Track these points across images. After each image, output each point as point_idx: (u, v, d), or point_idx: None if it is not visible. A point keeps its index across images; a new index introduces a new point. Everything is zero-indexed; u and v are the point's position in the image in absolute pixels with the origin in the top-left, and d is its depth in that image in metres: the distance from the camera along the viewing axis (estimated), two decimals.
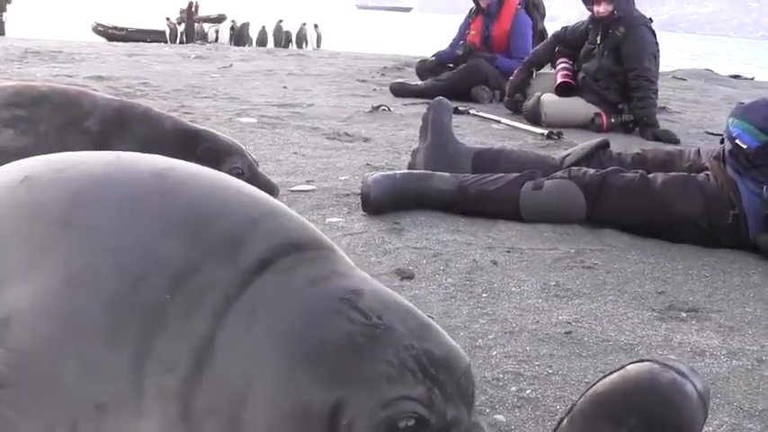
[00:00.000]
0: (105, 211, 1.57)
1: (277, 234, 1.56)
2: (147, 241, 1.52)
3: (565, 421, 1.59)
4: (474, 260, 3.54)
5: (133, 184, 1.63)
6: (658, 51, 7.78)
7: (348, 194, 4.56)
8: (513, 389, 2.38)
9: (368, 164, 5.37)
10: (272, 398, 1.37)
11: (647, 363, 1.54)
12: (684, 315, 3.09)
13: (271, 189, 3.88)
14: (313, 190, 4.65)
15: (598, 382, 1.59)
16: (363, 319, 1.40)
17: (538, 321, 2.91)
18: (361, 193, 4.26)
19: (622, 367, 1.59)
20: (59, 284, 1.49)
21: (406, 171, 4.55)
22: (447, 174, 4.39)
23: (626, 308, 3.12)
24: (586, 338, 2.78)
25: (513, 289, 3.24)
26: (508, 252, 3.70)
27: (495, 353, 2.61)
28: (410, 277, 3.30)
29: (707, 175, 4.15)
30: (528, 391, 2.37)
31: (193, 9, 31.25)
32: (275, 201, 1.72)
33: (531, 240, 3.90)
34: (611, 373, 1.59)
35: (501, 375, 2.46)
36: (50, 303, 1.48)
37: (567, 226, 4.12)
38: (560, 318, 2.95)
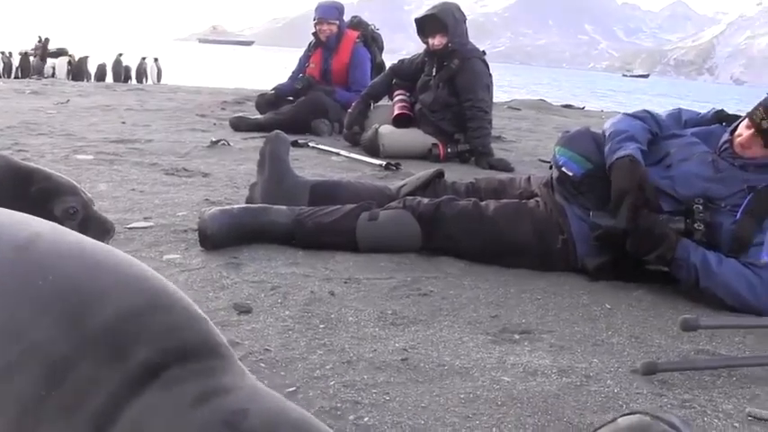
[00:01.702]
0: None
1: (165, 335, 1.45)
2: (15, 326, 1.41)
3: None
4: (312, 292, 3.55)
5: None
6: (491, 82, 8.00)
7: (186, 230, 4.52)
8: (351, 417, 2.40)
9: (207, 199, 5.33)
10: None
11: (638, 416, 1.50)
12: (518, 337, 3.18)
13: (106, 228, 3.81)
14: (151, 227, 4.58)
15: None
16: None
17: (375, 350, 2.94)
18: (198, 228, 4.23)
19: (614, 420, 1.55)
20: None
21: (244, 205, 4.54)
22: (284, 207, 4.40)
23: (461, 333, 3.19)
24: (422, 364, 2.82)
25: (351, 319, 3.27)
26: (345, 283, 3.73)
27: (332, 383, 2.63)
28: (248, 311, 3.29)
29: (537, 201, 4.28)
30: (366, 419, 2.39)
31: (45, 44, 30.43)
32: (160, 280, 1.59)
33: (368, 270, 3.95)
34: (601, 426, 1.55)
35: (339, 404, 2.47)
36: None
37: (404, 255, 4.19)
38: (397, 345, 3.00)
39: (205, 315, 1.58)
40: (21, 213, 1.73)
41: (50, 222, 1.74)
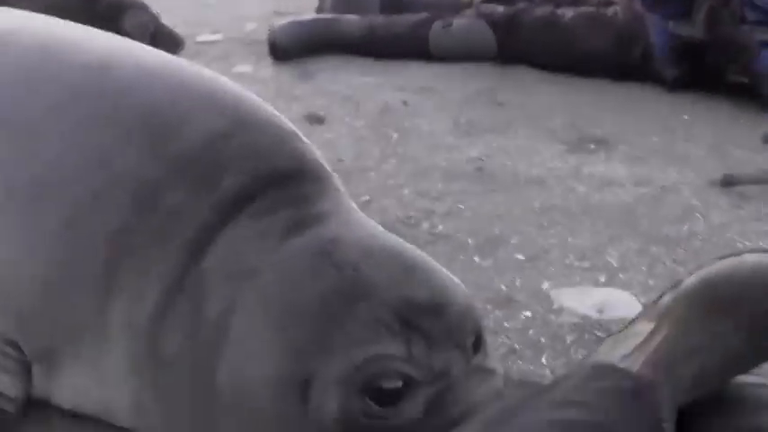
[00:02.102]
0: (41, 113, 1.42)
1: (256, 157, 1.40)
2: (99, 153, 1.37)
3: (667, 298, 1.47)
4: (385, 101, 3.53)
5: (73, 79, 1.46)
6: None
7: (256, 42, 4.49)
8: (426, 226, 2.40)
9: (275, 11, 5.28)
10: (244, 361, 1.26)
11: (766, 255, 1.41)
12: (593, 147, 3.14)
13: (176, 42, 3.81)
14: (220, 40, 4.57)
15: (711, 265, 1.46)
16: (338, 275, 1.27)
17: (449, 159, 2.92)
18: (268, 40, 4.19)
19: (739, 254, 1.45)
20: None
21: (314, 16, 4.48)
22: (355, 16, 4.34)
23: (536, 141, 3.15)
24: (497, 173, 2.81)
25: (424, 128, 3.25)
26: (419, 92, 3.69)
27: (406, 191, 2.63)
28: (320, 121, 3.28)
29: (615, 10, 4.15)
30: (440, 228, 2.40)
31: None
32: (248, 97, 1.53)
33: (442, 79, 3.90)
34: (726, 257, 1.44)
35: (413, 213, 2.48)
36: None
37: (478, 63, 4.12)
38: (471, 154, 2.98)
39: (296, 130, 1.54)
40: (98, 30, 1.67)
41: (128, 39, 1.70)
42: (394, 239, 1.40)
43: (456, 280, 1.39)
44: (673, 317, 1.44)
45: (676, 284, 1.49)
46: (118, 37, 1.70)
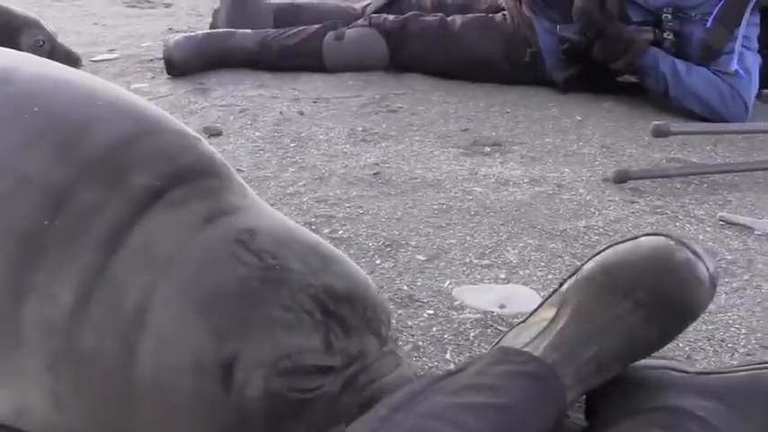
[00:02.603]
0: None
1: (163, 157, 1.39)
2: (6, 158, 1.35)
3: (568, 284, 1.51)
4: (281, 112, 3.53)
5: None
6: None
7: (152, 60, 4.48)
8: (326, 231, 2.40)
9: (170, 28, 5.25)
10: (165, 347, 1.26)
11: (662, 238, 1.44)
12: (488, 149, 3.18)
13: (73, 60, 3.75)
14: (116, 58, 4.53)
15: (607, 249, 1.50)
16: (258, 262, 1.28)
17: (347, 165, 2.93)
18: (163, 56, 4.17)
19: (635, 237, 1.49)
20: None
21: (208, 31, 4.46)
22: (249, 31, 4.33)
23: (432, 147, 3.18)
24: (395, 178, 2.82)
25: (321, 137, 3.25)
26: (314, 102, 3.70)
27: (306, 198, 2.62)
28: (218, 134, 3.26)
29: (504, 15, 4.21)
30: (341, 232, 2.39)
31: None
32: (149, 105, 1.53)
33: (337, 89, 3.92)
34: (622, 241, 1.49)
35: (313, 219, 2.47)
36: None
37: (372, 73, 4.14)
38: (368, 160, 2.99)
39: (199, 135, 1.53)
40: None
41: (26, 53, 1.69)
42: (306, 231, 1.43)
43: (365, 274, 1.42)
44: (573, 302, 1.47)
45: (576, 271, 1.51)
46: (17, 52, 1.68)
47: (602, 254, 1.49)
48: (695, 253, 1.40)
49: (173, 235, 1.32)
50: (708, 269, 1.40)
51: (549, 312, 1.49)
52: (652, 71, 3.75)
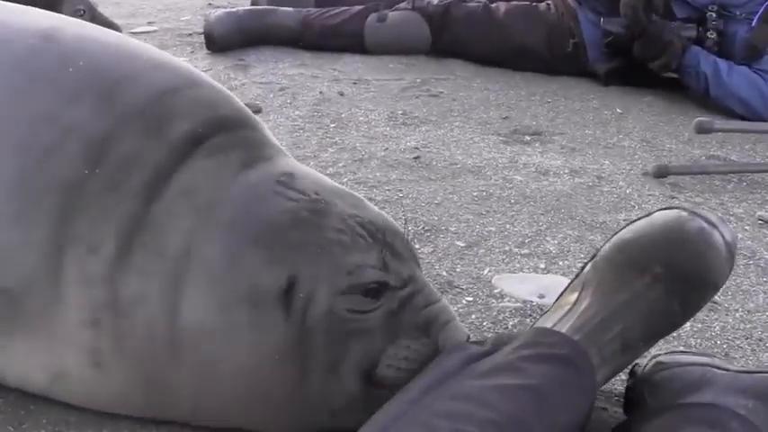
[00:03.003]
0: None
1: (205, 106, 1.45)
2: (51, 109, 1.37)
3: (588, 266, 1.51)
4: (321, 92, 3.53)
5: (17, 48, 1.45)
6: None
7: (191, 34, 4.49)
8: None
9: (210, 3, 5.26)
10: (215, 284, 1.30)
11: (675, 210, 1.44)
12: (528, 138, 3.17)
13: (114, 29, 3.75)
14: (155, 31, 4.54)
15: (624, 228, 1.50)
16: (303, 197, 1.35)
17: (387, 148, 2.93)
18: (204, 31, 4.17)
19: (649, 214, 1.49)
20: None
21: (250, 7, 4.45)
22: (291, 9, 4.32)
23: (472, 133, 3.18)
24: (435, 162, 2.82)
25: (361, 118, 3.25)
26: (354, 83, 3.70)
27: (345, 180, 2.62)
28: (257, 111, 3.26)
29: (548, 4, 4.19)
30: None
31: None
32: (191, 67, 1.58)
33: (378, 71, 3.91)
34: (637, 219, 1.49)
35: None
36: None
37: (413, 56, 4.14)
38: (408, 144, 2.99)
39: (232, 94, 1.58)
40: (38, 9, 1.66)
41: (69, 16, 1.71)
42: (333, 182, 1.51)
43: None
44: (593, 283, 1.47)
45: (595, 253, 1.51)
46: (60, 15, 1.71)
47: (619, 233, 1.50)
48: (709, 222, 1.40)
49: (213, 180, 1.36)
50: (723, 236, 1.39)
51: (571, 297, 1.49)
52: (693, 70, 3.73)
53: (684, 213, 1.42)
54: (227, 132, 1.43)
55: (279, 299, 1.29)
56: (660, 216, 1.45)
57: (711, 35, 3.77)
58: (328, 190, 1.41)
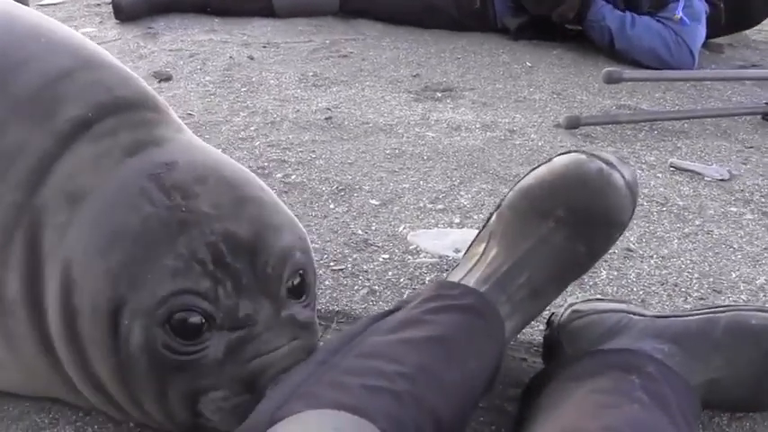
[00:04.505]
0: None
1: (96, 89, 1.35)
2: None
3: (493, 216, 1.50)
4: (231, 57, 3.50)
5: None
6: None
7: (99, 4, 4.46)
8: (279, 175, 2.38)
9: None
10: (68, 292, 1.22)
11: (574, 154, 1.43)
12: (440, 95, 3.17)
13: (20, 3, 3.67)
14: (63, 2, 4.48)
15: (526, 176, 1.49)
16: (166, 201, 1.22)
17: (298, 110, 2.91)
18: (111, 1, 4.13)
19: (549, 159, 1.47)
20: None
21: None
22: None
23: (383, 92, 3.17)
24: (347, 122, 2.81)
25: (272, 81, 3.23)
26: (264, 47, 3.67)
27: (258, 143, 2.60)
28: (168, 79, 3.23)
29: None
30: (293, 177, 2.38)
31: None
32: (89, 43, 1.50)
33: (287, 34, 3.89)
34: (538, 166, 1.47)
35: (265, 164, 2.45)
36: None
37: (322, 18, 4.14)
38: (320, 105, 2.97)
39: (135, 74, 1.51)
40: None
41: None
42: (235, 168, 1.37)
43: (292, 216, 1.37)
44: (498, 232, 1.47)
45: (500, 203, 1.51)
46: None
47: (521, 181, 1.49)
48: (608, 162, 1.40)
49: (93, 168, 1.28)
50: (623, 176, 1.39)
51: (479, 248, 1.49)
52: (596, 24, 3.77)
53: (583, 156, 1.41)
54: (122, 114, 1.35)
55: (109, 321, 1.19)
56: (559, 160, 1.44)
57: None
58: (207, 185, 1.27)
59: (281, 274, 1.27)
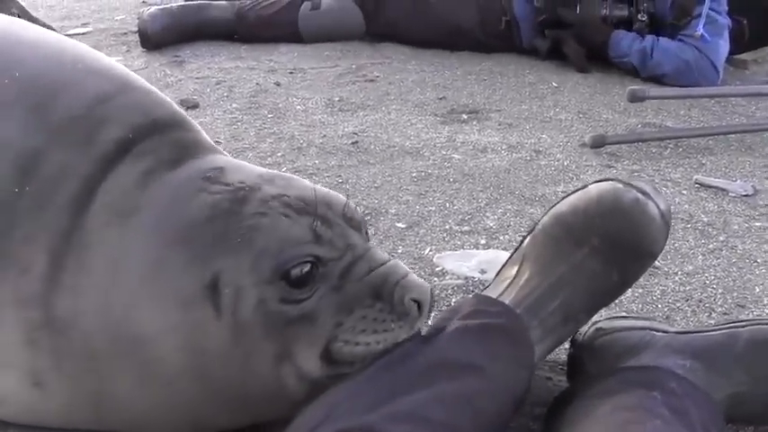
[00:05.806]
0: None
1: (134, 112, 1.40)
2: None
3: (527, 240, 1.52)
4: (257, 84, 3.53)
5: None
6: None
7: (126, 33, 4.48)
8: None
9: (144, 1, 5.22)
10: (146, 290, 1.26)
11: (610, 182, 1.46)
12: (466, 117, 3.19)
13: None
14: (90, 32, 4.51)
15: (561, 201, 1.52)
16: (226, 188, 1.29)
17: (324, 135, 2.93)
18: (138, 29, 4.16)
19: (585, 186, 1.50)
20: None
21: (183, 3, 4.44)
22: (224, 2, 4.33)
23: (409, 115, 3.19)
24: (373, 146, 2.83)
25: (298, 107, 3.25)
26: (291, 73, 3.70)
27: (285, 169, 2.62)
28: (195, 107, 3.26)
29: None
30: None
31: None
32: (123, 68, 1.55)
33: (313, 60, 3.92)
34: (573, 192, 1.51)
35: None
36: None
37: (348, 43, 4.16)
38: (346, 130, 3.00)
39: (169, 98, 1.55)
40: None
41: (8, 16, 1.68)
42: (274, 172, 1.42)
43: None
44: (532, 257, 1.49)
45: (533, 227, 1.53)
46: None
47: (555, 206, 1.51)
48: (644, 192, 1.42)
49: (140, 185, 1.31)
50: (658, 206, 1.41)
51: (511, 270, 1.50)
52: (618, 60, 3.85)
53: (619, 185, 1.44)
54: (158, 136, 1.39)
55: (206, 297, 1.23)
56: (595, 188, 1.47)
57: (642, 18, 3.82)
58: (257, 178, 1.34)
59: (355, 216, 1.37)
